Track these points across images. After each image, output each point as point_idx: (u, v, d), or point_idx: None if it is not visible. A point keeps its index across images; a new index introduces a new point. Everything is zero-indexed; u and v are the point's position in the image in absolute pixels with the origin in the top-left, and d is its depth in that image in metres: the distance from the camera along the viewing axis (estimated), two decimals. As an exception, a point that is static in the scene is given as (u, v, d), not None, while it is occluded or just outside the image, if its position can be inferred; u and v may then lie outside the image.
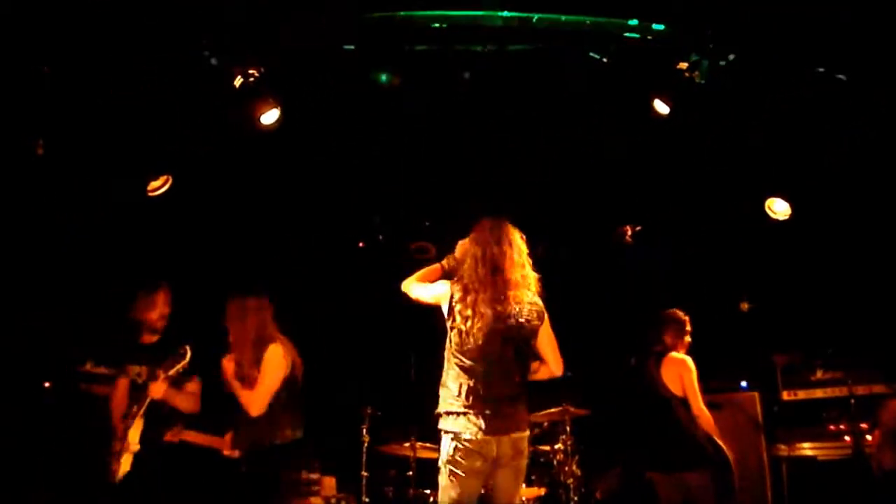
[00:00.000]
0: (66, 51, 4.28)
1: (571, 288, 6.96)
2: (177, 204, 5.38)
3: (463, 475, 3.20)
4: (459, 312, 3.31)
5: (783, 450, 5.55)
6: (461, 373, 3.29)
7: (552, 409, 5.45)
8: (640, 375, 4.67)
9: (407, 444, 5.21)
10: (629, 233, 6.08)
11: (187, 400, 4.08)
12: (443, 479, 3.27)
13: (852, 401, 5.07)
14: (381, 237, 6.81)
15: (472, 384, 3.26)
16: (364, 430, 5.46)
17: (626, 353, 4.84)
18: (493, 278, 3.33)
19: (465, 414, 3.24)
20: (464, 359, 3.29)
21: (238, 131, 4.75)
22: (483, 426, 3.20)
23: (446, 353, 3.37)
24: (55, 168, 4.73)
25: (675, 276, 5.89)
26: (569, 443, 5.43)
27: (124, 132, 4.81)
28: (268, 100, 4.54)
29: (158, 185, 5.29)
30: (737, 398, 5.72)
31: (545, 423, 5.64)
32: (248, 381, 3.92)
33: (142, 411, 3.97)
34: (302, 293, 6.50)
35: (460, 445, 3.21)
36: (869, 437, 5.08)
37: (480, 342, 3.26)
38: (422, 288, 3.54)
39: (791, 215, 5.31)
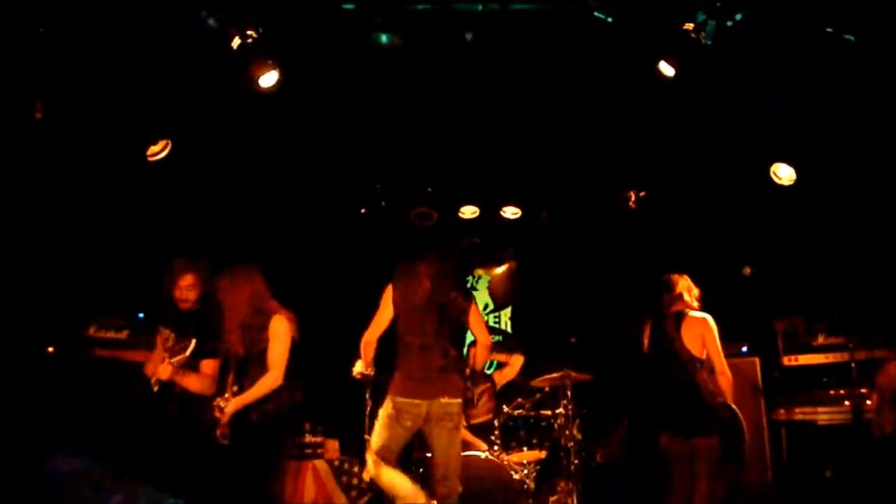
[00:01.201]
0: (61, 12, 4.21)
1: (574, 255, 6.98)
2: (177, 170, 5.35)
3: (392, 426, 4.00)
4: (395, 301, 4.08)
5: (782, 414, 5.56)
6: (402, 348, 4.06)
7: (553, 374, 5.47)
8: (658, 337, 4.58)
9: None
10: (633, 198, 6.04)
11: (199, 381, 4.10)
12: (378, 424, 4.06)
13: (853, 365, 5.04)
14: (383, 203, 6.79)
15: (410, 357, 4.02)
16: (367, 395, 5.49)
17: (640, 314, 4.74)
18: (421, 276, 4.09)
19: (403, 381, 4.02)
20: (404, 337, 4.05)
21: (237, 95, 4.69)
22: (414, 390, 3.98)
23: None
24: (54, 133, 4.68)
25: (678, 241, 5.86)
26: (570, 407, 5.46)
27: (122, 97, 4.75)
28: (266, 62, 4.47)
29: (158, 150, 5.25)
30: (737, 363, 5.71)
31: (546, 388, 5.67)
32: (257, 348, 4.01)
33: (153, 380, 4.06)
34: (305, 260, 6.52)
35: (396, 404, 4.01)
36: (869, 402, 5.09)
37: (414, 321, 4.03)
38: (375, 319, 4.18)
39: (795, 181, 5.25)
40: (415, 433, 4.10)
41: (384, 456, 4.02)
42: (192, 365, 4.06)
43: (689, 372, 4.36)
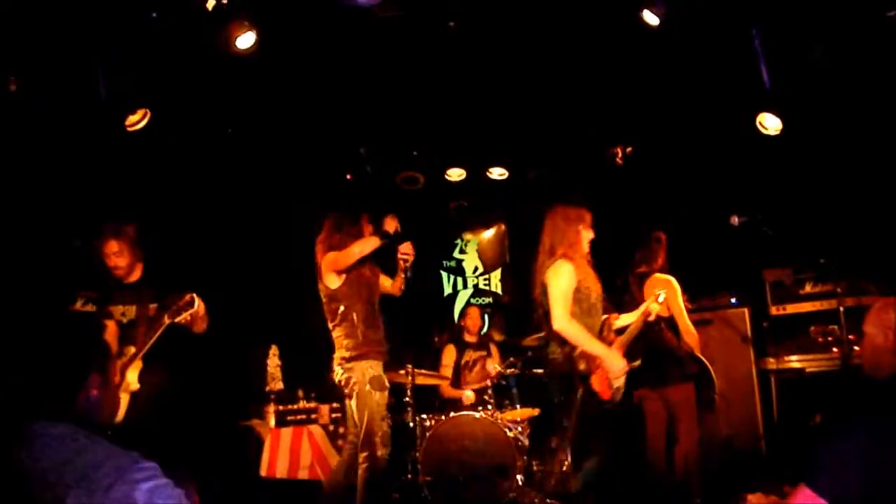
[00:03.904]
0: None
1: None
2: (154, 138, 5.24)
3: None
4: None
5: (772, 363, 5.62)
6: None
7: (543, 333, 5.48)
8: (623, 296, 4.66)
9: (403, 372, 5.24)
10: (620, 154, 5.99)
11: (202, 322, 4.01)
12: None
13: (841, 309, 5.06)
14: (368, 169, 6.72)
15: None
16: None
17: (614, 273, 4.79)
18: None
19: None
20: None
21: (213, 58, 4.58)
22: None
23: None
24: (29, 105, 4.57)
25: (666, 193, 5.84)
26: (561, 364, 5.48)
27: (94, 63, 4.63)
28: (243, 23, 4.37)
29: (137, 120, 5.14)
30: (726, 314, 5.77)
31: (537, 346, 5.69)
32: None
33: (142, 353, 3.88)
34: (291, 228, 6.45)
35: None
36: (857, 348, 5.12)
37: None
38: None
39: (782, 130, 5.23)
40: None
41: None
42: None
43: (655, 330, 4.47)
